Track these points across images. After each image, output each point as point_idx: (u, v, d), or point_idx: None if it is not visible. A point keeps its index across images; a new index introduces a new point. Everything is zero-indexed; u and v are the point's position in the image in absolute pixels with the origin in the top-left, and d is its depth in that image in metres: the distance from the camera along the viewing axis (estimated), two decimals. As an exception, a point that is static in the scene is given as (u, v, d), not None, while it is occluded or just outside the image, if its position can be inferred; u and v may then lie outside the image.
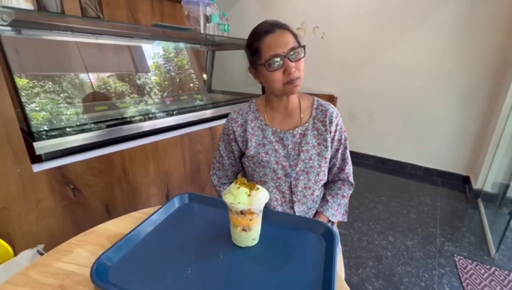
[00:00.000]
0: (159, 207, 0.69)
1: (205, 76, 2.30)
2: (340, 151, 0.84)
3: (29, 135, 0.97)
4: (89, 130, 1.12)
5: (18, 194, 0.89)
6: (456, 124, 2.30)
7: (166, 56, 1.91)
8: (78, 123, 1.16)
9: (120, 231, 0.63)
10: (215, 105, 1.74)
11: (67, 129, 1.09)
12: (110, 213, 1.16)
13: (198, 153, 1.54)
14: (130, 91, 1.66)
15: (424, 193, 2.21)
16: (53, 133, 1.03)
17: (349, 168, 0.87)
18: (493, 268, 1.41)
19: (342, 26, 2.58)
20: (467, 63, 2.16)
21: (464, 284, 1.31)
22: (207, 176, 1.63)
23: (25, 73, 1.21)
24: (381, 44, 2.47)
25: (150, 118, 1.35)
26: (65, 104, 1.30)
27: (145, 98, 1.71)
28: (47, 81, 1.26)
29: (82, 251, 0.56)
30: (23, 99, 1.04)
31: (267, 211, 0.65)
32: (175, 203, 0.72)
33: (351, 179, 0.88)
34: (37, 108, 1.15)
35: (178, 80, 1.96)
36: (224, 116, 1.72)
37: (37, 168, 0.93)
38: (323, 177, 0.84)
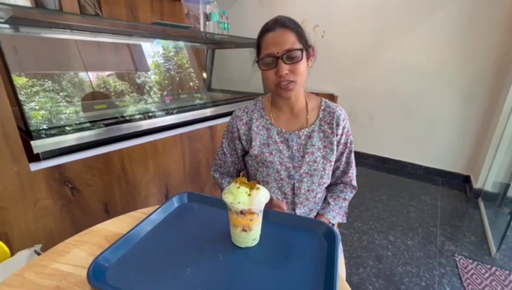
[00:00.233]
0: (157, 206, 0.68)
1: (205, 74, 2.29)
2: (345, 155, 0.83)
3: (27, 134, 0.96)
4: (88, 128, 1.11)
5: (15, 193, 0.88)
6: (457, 123, 2.29)
7: (165, 54, 1.90)
8: (76, 122, 1.15)
9: (118, 231, 0.62)
10: (215, 104, 1.73)
11: (65, 127, 1.08)
12: (109, 213, 1.15)
13: (197, 152, 1.53)
14: (130, 90, 1.65)
15: (425, 192, 2.21)
16: (51, 132, 1.02)
17: (353, 171, 0.86)
18: (493, 268, 1.40)
19: (343, 24, 2.57)
20: (468, 63, 2.15)
21: (465, 284, 1.31)
22: (206, 175, 1.62)
23: (22, 71, 1.19)
24: (381, 43, 2.45)
25: (150, 117, 1.34)
26: (63, 103, 1.29)
27: (145, 96, 1.70)
28: (45, 80, 1.25)
29: (79, 252, 0.56)
30: (21, 98, 1.03)
31: (268, 211, 0.64)
32: (174, 202, 0.71)
33: (354, 182, 0.87)
34: (35, 107, 1.13)
35: (177, 78, 1.95)
36: (224, 114, 1.71)
37: (34, 167, 0.92)
38: (327, 180, 0.83)
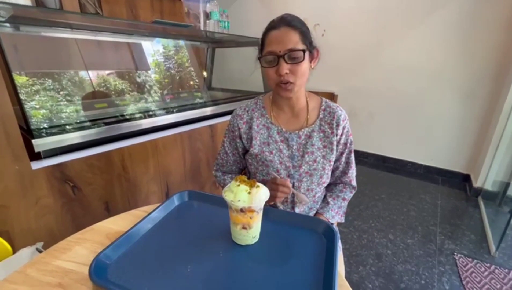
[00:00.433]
0: (158, 204, 0.69)
1: (205, 73, 2.29)
2: (344, 155, 0.83)
3: (28, 133, 0.96)
4: (88, 127, 1.11)
5: (17, 192, 0.88)
6: (457, 122, 2.29)
7: (166, 53, 1.90)
8: (77, 121, 1.15)
9: (119, 229, 0.62)
10: (215, 102, 1.73)
11: (66, 126, 1.08)
12: (109, 211, 1.15)
13: (198, 151, 1.53)
14: (130, 89, 1.65)
15: (424, 191, 2.21)
16: (52, 131, 1.02)
17: (353, 172, 0.86)
18: (493, 266, 1.41)
19: (343, 24, 2.57)
20: (468, 62, 2.14)
21: (464, 282, 1.31)
22: (207, 174, 1.63)
23: (23, 70, 1.20)
24: (382, 42, 2.45)
25: (150, 116, 1.34)
26: (64, 102, 1.29)
27: (145, 95, 1.70)
28: (45, 78, 1.25)
29: (81, 249, 0.56)
30: (22, 96, 1.03)
31: (267, 209, 0.65)
32: (175, 201, 0.72)
33: (353, 183, 0.88)
34: (36, 106, 1.14)
35: (178, 77, 1.95)
36: (224, 113, 1.72)
37: (36, 165, 0.92)
38: (326, 180, 0.83)
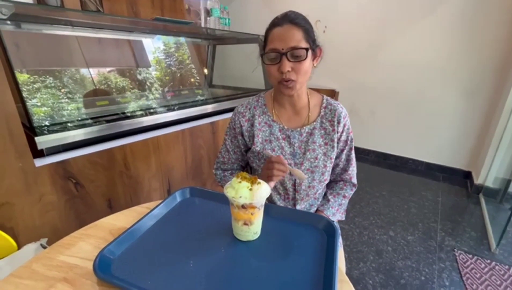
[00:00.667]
0: (160, 201, 0.69)
1: (206, 70, 2.29)
2: (344, 152, 0.83)
3: (31, 130, 0.97)
4: (90, 124, 1.12)
5: (21, 189, 0.89)
6: (459, 119, 2.29)
7: (166, 50, 1.90)
8: (79, 118, 1.16)
9: (122, 225, 0.63)
10: (216, 100, 1.73)
11: (68, 124, 1.09)
12: (112, 208, 1.16)
13: (199, 148, 1.54)
14: (131, 86, 1.66)
15: (425, 188, 2.21)
16: (55, 128, 1.03)
17: (353, 169, 0.86)
18: (493, 263, 1.41)
19: (345, 20, 2.55)
20: (471, 58, 2.13)
21: (464, 278, 1.32)
22: (208, 171, 1.64)
23: (25, 68, 1.20)
24: (384, 38, 2.44)
25: (151, 113, 1.35)
26: (66, 99, 1.30)
27: (146, 93, 1.70)
28: (47, 76, 1.26)
29: (85, 245, 0.57)
30: (24, 94, 1.04)
31: (269, 205, 0.65)
32: (177, 197, 0.73)
33: (354, 180, 0.88)
34: (38, 103, 1.14)
35: (179, 75, 1.95)
36: (226, 111, 1.72)
37: (39, 162, 0.93)
38: (328, 177, 0.83)
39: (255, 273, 0.50)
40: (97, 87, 1.51)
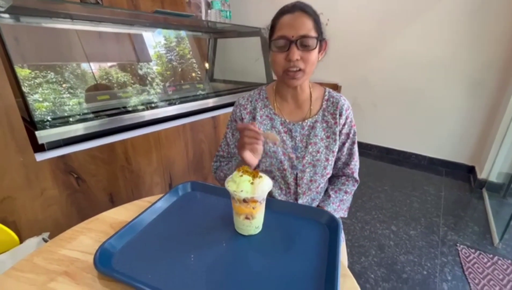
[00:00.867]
0: (162, 195, 0.69)
1: (207, 65, 2.27)
2: (346, 146, 0.82)
3: (31, 125, 0.96)
4: (91, 119, 1.11)
5: (22, 183, 0.89)
6: (463, 113, 2.26)
7: (167, 44, 1.88)
8: (80, 112, 1.15)
9: (123, 218, 0.63)
10: (217, 94, 1.72)
11: (69, 118, 1.09)
12: (114, 202, 1.16)
13: (200, 143, 1.53)
14: (132, 81, 1.64)
15: (428, 183, 2.20)
16: (55, 122, 1.03)
17: (355, 163, 0.85)
18: (496, 257, 1.41)
19: (347, 12, 2.51)
20: (476, 52, 2.09)
21: (467, 272, 1.32)
22: (210, 166, 1.63)
23: (24, 62, 1.19)
24: (387, 31, 2.40)
25: (152, 108, 1.34)
26: (66, 94, 1.29)
27: (147, 87, 1.69)
28: (47, 70, 1.25)
29: (86, 238, 0.57)
30: (24, 89, 1.03)
31: (270, 199, 0.65)
32: (178, 191, 0.72)
33: (356, 175, 0.86)
34: (39, 98, 1.14)
35: (180, 69, 1.94)
36: (227, 105, 1.71)
37: (40, 157, 0.93)
38: (330, 171, 0.82)
39: (256, 268, 0.49)
40: (97, 81, 1.50)
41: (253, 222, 0.56)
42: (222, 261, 0.51)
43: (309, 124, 0.79)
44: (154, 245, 0.54)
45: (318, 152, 0.78)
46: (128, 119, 1.22)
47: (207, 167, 1.63)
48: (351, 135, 0.81)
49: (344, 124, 0.79)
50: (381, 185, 2.14)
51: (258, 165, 0.83)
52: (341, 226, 0.59)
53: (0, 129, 0.82)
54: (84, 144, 1.06)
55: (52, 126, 1.00)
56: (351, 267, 1.36)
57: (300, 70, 0.69)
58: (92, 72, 1.50)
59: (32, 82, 1.16)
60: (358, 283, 0.48)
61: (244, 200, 0.53)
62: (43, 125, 0.98)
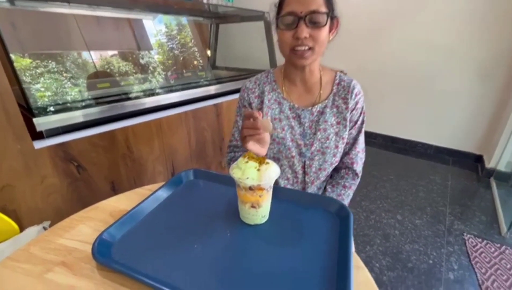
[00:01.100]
0: (163, 183, 0.66)
1: (209, 52, 2.21)
2: (352, 132, 0.76)
3: (29, 112, 0.93)
4: (90, 106, 1.08)
5: (21, 171, 0.87)
6: (471, 102, 2.19)
7: (168, 31, 1.82)
8: (79, 99, 1.12)
9: (123, 207, 0.60)
10: (219, 81, 1.67)
11: (68, 104, 1.05)
12: (116, 191, 1.15)
13: (203, 130, 1.50)
14: (132, 67, 1.60)
15: (435, 172, 2.16)
16: (53, 109, 0.99)
17: (356, 154, 0.77)
18: (503, 247, 1.39)
19: (355, -4, 2.41)
20: (486, 38, 2.01)
21: (473, 262, 1.30)
22: (213, 154, 1.61)
23: (20, 48, 1.15)
24: (394, 17, 2.30)
25: (153, 95, 1.30)
26: (65, 80, 1.25)
27: (148, 74, 1.65)
28: (44, 57, 1.21)
29: (85, 227, 0.54)
30: (20, 75, 1.00)
31: (277, 187, 0.62)
32: (180, 179, 0.69)
33: (355, 167, 0.78)
34: (36, 84, 1.10)
35: (181, 56, 1.88)
36: (230, 92, 1.66)
37: (38, 144, 0.90)
38: (339, 159, 0.77)
39: (263, 258, 0.47)
40: (97, 68, 1.46)
41: (259, 211, 0.53)
42: (227, 252, 0.48)
43: (319, 110, 0.74)
44: (155, 234, 0.52)
45: (327, 139, 0.74)
46: (129, 106, 1.19)
47: (210, 156, 1.60)
48: (358, 123, 0.76)
49: (354, 109, 0.74)
50: (387, 175, 2.11)
51: (266, 154, 0.80)
52: (352, 215, 0.56)
53: (-5, 115, 0.79)
54: (84, 131, 1.03)
55: (50, 112, 0.97)
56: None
57: (309, 48, 0.64)
58: (92, 59, 1.45)
59: (30, 69, 1.12)
60: (365, 273, 0.45)
61: (250, 188, 0.50)
62: (41, 112, 0.95)
